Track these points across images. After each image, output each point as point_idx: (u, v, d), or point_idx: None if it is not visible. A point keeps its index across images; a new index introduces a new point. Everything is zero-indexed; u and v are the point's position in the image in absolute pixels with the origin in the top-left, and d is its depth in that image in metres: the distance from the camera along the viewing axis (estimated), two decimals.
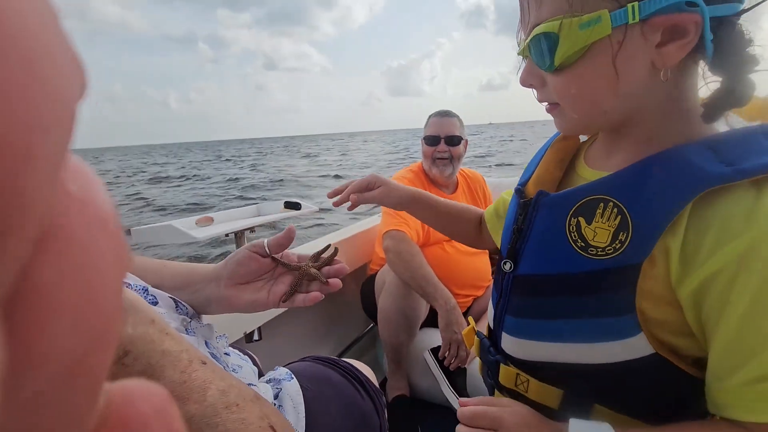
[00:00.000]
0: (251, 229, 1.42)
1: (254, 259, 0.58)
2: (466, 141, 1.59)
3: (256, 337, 1.32)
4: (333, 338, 1.86)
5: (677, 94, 0.39)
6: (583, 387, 0.43)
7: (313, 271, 0.60)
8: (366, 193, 0.75)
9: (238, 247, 1.40)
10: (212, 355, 0.51)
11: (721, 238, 0.35)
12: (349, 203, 0.75)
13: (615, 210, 0.40)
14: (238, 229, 1.36)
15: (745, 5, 0.36)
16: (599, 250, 0.40)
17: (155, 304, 0.50)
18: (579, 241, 0.41)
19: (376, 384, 0.77)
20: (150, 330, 0.33)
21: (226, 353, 0.59)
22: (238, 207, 1.66)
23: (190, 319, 0.53)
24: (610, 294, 0.40)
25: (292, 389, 0.58)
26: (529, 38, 0.40)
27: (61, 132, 0.08)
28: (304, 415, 0.56)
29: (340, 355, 1.82)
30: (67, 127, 0.08)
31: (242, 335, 1.26)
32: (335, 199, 0.76)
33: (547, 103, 0.45)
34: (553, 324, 0.44)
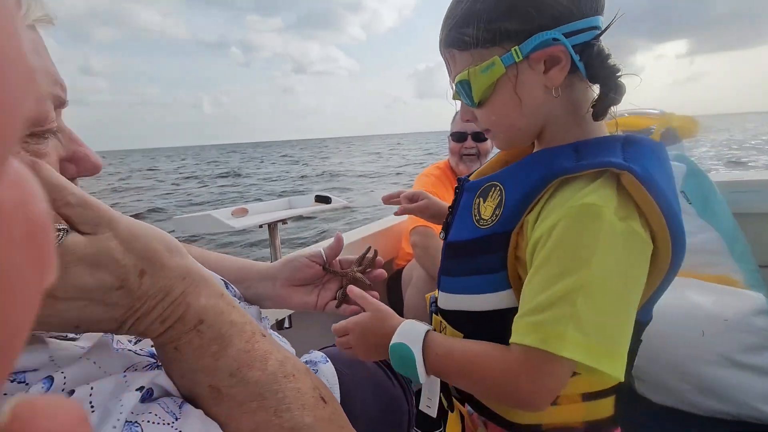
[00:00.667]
0: (283, 221, 1.47)
1: (311, 266, 0.65)
2: None
3: (287, 324, 1.37)
4: None
5: (570, 105, 0.50)
6: (476, 330, 0.53)
7: (358, 275, 0.67)
8: (411, 204, 0.89)
9: (271, 237, 1.46)
10: None
11: (548, 214, 0.45)
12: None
13: (498, 191, 0.51)
14: (272, 220, 1.41)
15: (602, 28, 0.47)
16: (485, 221, 0.52)
17: None
18: (477, 215, 0.54)
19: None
20: (220, 302, 0.37)
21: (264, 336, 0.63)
22: (271, 200, 1.72)
23: (239, 301, 0.57)
24: (490, 255, 0.51)
25: (328, 371, 0.62)
26: (454, 86, 0.53)
27: None
28: (339, 396, 0.59)
29: None
30: (5, 137, 0.08)
31: (274, 322, 1.31)
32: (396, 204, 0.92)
33: (485, 129, 0.57)
34: (462, 280, 0.55)
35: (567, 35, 0.45)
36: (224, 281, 0.58)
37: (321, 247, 0.69)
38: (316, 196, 1.70)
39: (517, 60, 0.47)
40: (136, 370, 0.36)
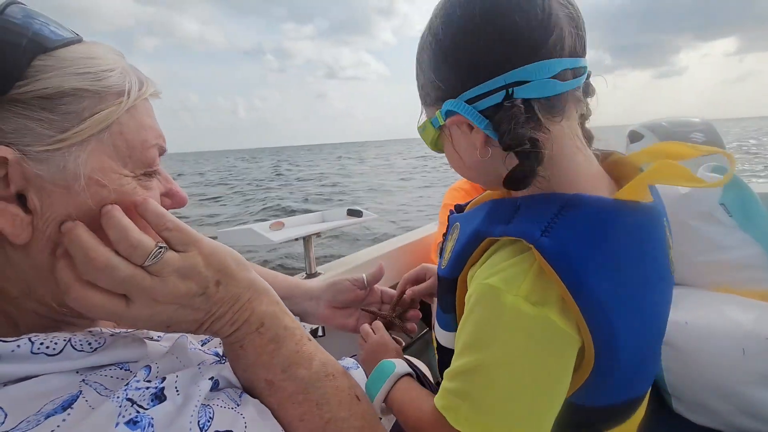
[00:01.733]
0: (317, 234, 1.55)
1: (352, 291, 0.74)
2: None
3: (320, 333, 1.44)
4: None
5: (506, 164, 0.44)
6: (444, 366, 0.51)
7: (397, 321, 0.74)
8: (418, 286, 0.79)
9: (306, 250, 1.54)
10: None
11: (475, 279, 0.44)
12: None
13: (457, 233, 0.52)
14: (306, 234, 1.50)
15: (518, 81, 0.41)
16: (444, 261, 0.54)
17: None
18: (444, 252, 0.55)
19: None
20: (276, 309, 0.45)
21: None
22: (305, 213, 1.82)
23: None
24: (447, 295, 0.52)
25: (359, 376, 0.67)
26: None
27: None
28: None
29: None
30: None
31: (309, 330, 1.38)
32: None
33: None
34: (439, 312, 0.58)
35: (471, 100, 0.42)
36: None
37: (364, 273, 0.76)
38: (349, 210, 1.78)
39: (441, 123, 0.47)
40: (206, 364, 0.44)
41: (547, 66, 0.39)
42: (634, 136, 3.46)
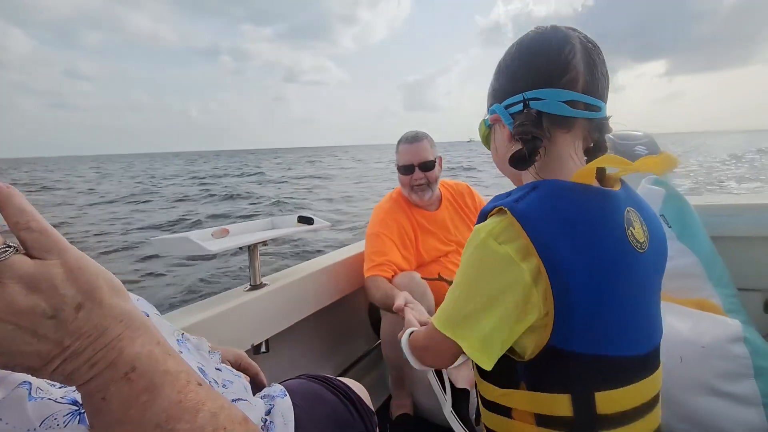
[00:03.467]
0: (264, 243, 1.46)
1: None
2: (440, 158, 1.60)
3: (263, 349, 1.35)
4: (341, 353, 1.87)
5: (514, 149, 0.60)
6: None
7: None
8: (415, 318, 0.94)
9: (250, 259, 1.44)
10: (200, 370, 0.53)
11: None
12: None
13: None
14: (252, 242, 1.40)
15: (534, 98, 0.58)
16: None
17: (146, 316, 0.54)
18: None
19: (370, 404, 0.78)
20: (156, 350, 0.36)
21: (217, 368, 0.61)
22: (253, 220, 1.72)
23: (182, 332, 0.56)
24: None
25: (284, 405, 0.61)
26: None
27: None
28: (293, 429, 0.58)
29: (347, 369, 1.83)
30: None
31: (250, 347, 1.29)
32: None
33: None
34: None
35: (507, 107, 0.60)
36: (182, 332, 0.57)
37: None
38: (299, 217, 1.70)
39: (489, 122, 0.66)
40: (55, 419, 0.34)
41: (557, 93, 0.55)
42: None
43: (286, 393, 0.66)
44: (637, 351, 0.55)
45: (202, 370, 0.53)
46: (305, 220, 1.67)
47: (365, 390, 0.81)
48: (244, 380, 0.66)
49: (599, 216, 0.53)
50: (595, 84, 0.56)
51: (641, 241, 0.55)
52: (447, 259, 1.55)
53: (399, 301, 1.04)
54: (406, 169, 1.56)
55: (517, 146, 0.58)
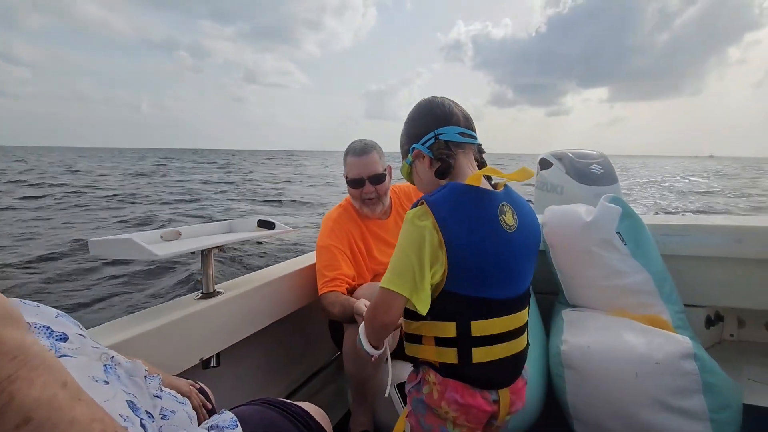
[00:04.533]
0: (220, 248, 1.35)
1: None
2: (390, 168, 1.56)
3: (213, 363, 1.24)
4: (297, 368, 1.78)
5: (435, 168, 0.86)
6: None
7: None
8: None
9: (204, 265, 1.33)
10: (130, 404, 0.45)
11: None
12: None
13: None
14: (206, 246, 1.30)
15: (439, 133, 0.86)
16: None
17: (64, 339, 0.45)
18: None
19: (330, 430, 0.72)
20: (60, 394, 0.28)
21: (156, 395, 0.53)
22: (209, 222, 1.60)
23: (111, 355, 0.48)
24: None
25: None
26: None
27: None
28: None
29: (304, 384, 1.74)
30: None
31: (198, 361, 1.18)
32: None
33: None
34: None
35: (423, 143, 0.86)
36: (82, 335, 0.49)
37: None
38: (260, 221, 1.60)
39: (411, 160, 0.91)
40: None
41: (453, 129, 0.85)
42: (544, 164, 3.74)
43: (237, 423, 0.58)
44: (505, 295, 0.78)
45: (132, 404, 0.45)
46: (266, 225, 1.58)
47: (326, 416, 0.75)
48: (188, 408, 0.58)
49: (478, 205, 0.77)
50: (469, 123, 0.88)
51: (510, 224, 0.80)
52: None
53: (359, 305, 1.18)
54: (355, 183, 1.49)
55: (437, 165, 0.85)
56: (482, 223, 0.76)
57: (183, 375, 1.12)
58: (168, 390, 0.61)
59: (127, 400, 0.44)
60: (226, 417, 0.59)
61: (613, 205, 1.80)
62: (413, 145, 0.88)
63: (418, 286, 0.72)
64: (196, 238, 1.47)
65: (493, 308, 0.77)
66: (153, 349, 1.05)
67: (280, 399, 0.71)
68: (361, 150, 1.49)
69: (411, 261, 0.72)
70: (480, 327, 0.75)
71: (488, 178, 0.88)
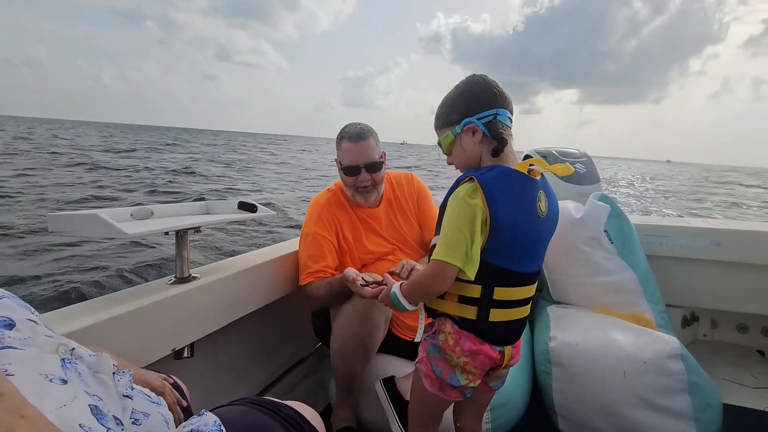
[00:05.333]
0: (197, 229, 1.25)
1: None
2: (384, 154, 1.47)
3: (186, 354, 1.14)
4: (274, 360, 1.69)
5: (486, 149, 0.90)
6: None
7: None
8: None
9: (178, 247, 1.22)
10: (93, 409, 0.37)
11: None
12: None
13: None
14: (182, 227, 1.19)
15: (497, 113, 0.89)
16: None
17: (10, 326, 0.36)
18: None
19: (323, 430, 0.65)
20: (10, 421, 0.20)
21: (126, 395, 0.45)
22: (184, 201, 1.49)
23: (71, 347, 0.39)
24: (442, 211, 0.92)
25: None
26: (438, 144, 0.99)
27: None
28: None
29: (281, 377, 1.66)
30: None
31: (171, 351, 1.08)
32: None
33: (451, 164, 0.98)
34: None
35: (479, 118, 0.89)
36: (34, 321, 0.40)
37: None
38: (240, 203, 1.49)
39: (458, 132, 0.92)
40: None
41: (506, 112, 0.90)
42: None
43: (222, 428, 0.50)
44: (526, 270, 0.88)
45: (96, 410, 0.36)
46: (247, 207, 1.48)
47: (319, 418, 0.68)
48: (164, 410, 0.50)
49: (522, 191, 0.85)
50: (512, 108, 0.93)
51: (543, 210, 0.88)
52: (395, 257, 1.45)
53: (348, 271, 1.20)
54: (350, 170, 1.40)
55: (491, 143, 0.88)
56: (523, 206, 0.84)
57: (152, 366, 1.02)
58: (140, 388, 0.52)
59: (90, 405, 0.36)
60: (207, 420, 0.51)
61: (602, 203, 1.79)
62: (467, 119, 0.89)
63: (469, 257, 0.80)
64: (170, 218, 1.36)
65: (516, 279, 0.86)
66: (119, 338, 0.94)
67: (269, 399, 0.63)
68: (357, 135, 1.39)
69: (464, 235, 0.80)
70: (501, 293, 0.85)
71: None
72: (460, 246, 0.80)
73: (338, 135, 1.45)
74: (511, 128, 0.91)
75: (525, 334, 1.70)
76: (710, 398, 1.24)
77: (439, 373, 0.88)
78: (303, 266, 1.40)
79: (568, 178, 3.35)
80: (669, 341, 1.28)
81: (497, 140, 0.87)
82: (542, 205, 0.87)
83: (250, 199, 1.47)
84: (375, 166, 1.41)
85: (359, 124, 1.44)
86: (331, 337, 1.26)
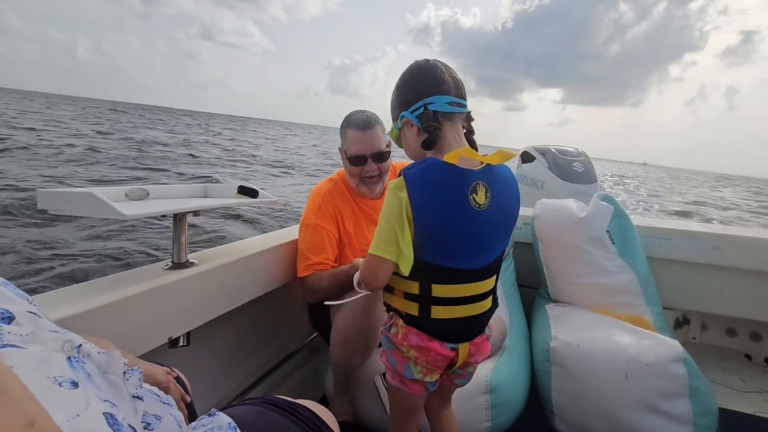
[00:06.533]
0: (195, 213, 1.19)
1: None
2: (390, 143, 1.41)
3: (182, 342, 1.10)
4: (270, 349, 1.65)
5: (422, 138, 0.86)
6: None
7: None
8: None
9: (176, 231, 1.17)
10: (109, 418, 0.32)
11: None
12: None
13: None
14: (180, 210, 1.13)
15: (429, 102, 0.85)
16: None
17: (9, 320, 0.31)
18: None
19: (338, 430, 0.62)
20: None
21: (137, 396, 0.40)
22: (182, 183, 1.42)
23: (77, 344, 0.35)
24: None
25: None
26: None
27: None
28: None
29: (276, 367, 1.62)
30: None
31: (166, 341, 1.03)
32: None
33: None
34: None
35: (413, 111, 0.86)
36: (35, 313, 0.36)
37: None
38: (240, 187, 1.44)
39: (400, 126, 0.91)
40: None
41: (442, 98, 0.84)
42: (527, 157, 3.74)
43: (237, 429, 0.46)
44: (470, 266, 0.84)
45: (111, 418, 0.32)
46: (248, 192, 1.42)
47: (334, 419, 0.65)
48: (175, 411, 0.45)
49: (449, 183, 0.80)
50: (459, 91, 0.87)
51: (480, 203, 0.82)
52: None
53: (359, 261, 1.19)
54: (357, 160, 1.35)
55: (424, 135, 0.85)
56: (450, 201, 0.80)
57: (148, 356, 0.97)
58: (148, 386, 0.48)
59: (105, 414, 0.32)
60: (221, 421, 0.48)
61: (605, 204, 1.78)
62: (402, 113, 0.88)
63: (402, 251, 0.79)
64: (167, 199, 1.30)
65: (456, 276, 0.83)
66: (113, 326, 0.89)
67: (284, 398, 0.59)
68: (364, 123, 1.33)
69: (394, 228, 0.79)
70: (441, 290, 0.83)
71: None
72: (391, 240, 0.79)
73: (343, 122, 1.40)
74: (456, 114, 0.85)
75: (522, 330, 1.70)
76: (709, 404, 1.25)
77: (393, 365, 0.89)
78: (302, 258, 1.36)
79: (566, 177, 3.36)
80: (672, 345, 1.28)
81: (427, 132, 0.83)
82: (479, 196, 0.82)
83: (251, 185, 1.41)
84: (382, 156, 1.36)
85: (365, 111, 1.39)
86: (333, 330, 1.23)
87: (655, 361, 1.24)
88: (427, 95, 0.84)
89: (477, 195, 0.82)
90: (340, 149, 1.43)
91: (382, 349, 0.93)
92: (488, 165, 0.85)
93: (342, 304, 1.01)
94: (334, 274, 1.27)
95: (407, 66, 0.91)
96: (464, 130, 0.89)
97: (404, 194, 0.79)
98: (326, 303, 1.06)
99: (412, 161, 0.93)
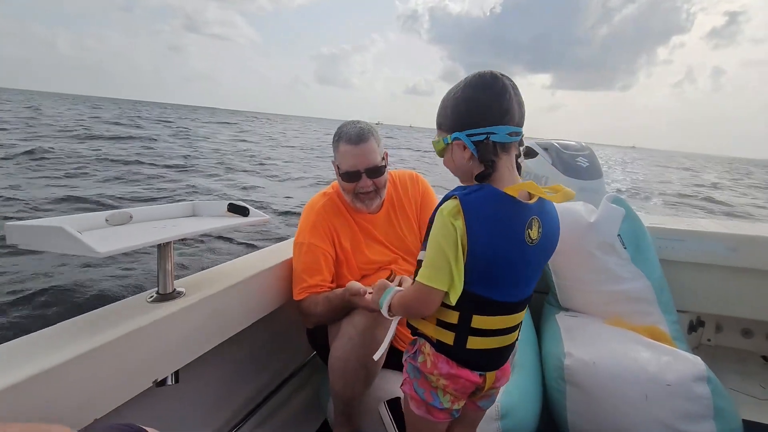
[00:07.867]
0: (182, 240, 1.11)
1: None
2: (386, 153, 1.34)
3: (170, 381, 1.02)
4: (267, 374, 1.57)
5: (477, 169, 0.81)
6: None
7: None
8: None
9: (161, 258, 1.08)
10: None
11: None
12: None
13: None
14: (164, 239, 1.03)
15: (491, 132, 0.79)
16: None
17: None
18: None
19: None
20: None
21: None
22: (167, 203, 1.34)
23: None
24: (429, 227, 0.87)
25: None
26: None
27: None
28: None
29: (274, 392, 1.54)
30: None
31: (151, 384, 0.95)
32: None
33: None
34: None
35: (470, 134, 0.80)
36: None
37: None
38: (230, 205, 1.35)
39: (449, 141, 0.84)
40: None
41: (505, 128, 0.79)
42: (530, 153, 3.64)
43: None
44: (509, 299, 0.82)
45: None
46: (238, 210, 1.34)
47: None
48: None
49: (508, 217, 0.78)
50: (521, 117, 0.82)
51: (534, 238, 0.81)
52: (397, 267, 1.34)
53: (353, 284, 1.12)
54: (350, 176, 1.26)
55: (478, 166, 0.81)
56: (507, 235, 0.78)
57: (130, 401, 0.89)
58: None
59: None
60: None
61: (616, 206, 1.70)
62: (457, 134, 0.81)
63: (455, 280, 0.76)
64: (151, 222, 1.21)
65: (496, 308, 0.82)
66: (90, 376, 0.81)
67: None
68: (357, 137, 1.24)
69: (448, 256, 0.76)
70: (480, 321, 0.81)
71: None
72: (444, 269, 0.76)
73: (335, 135, 1.31)
74: (512, 143, 0.81)
75: (532, 341, 1.63)
76: (734, 423, 1.18)
77: (421, 394, 0.86)
78: (298, 279, 1.28)
79: (570, 173, 3.26)
80: (693, 362, 1.20)
81: (484, 165, 0.79)
82: (533, 232, 0.80)
83: (240, 202, 1.33)
84: (377, 171, 1.27)
85: (358, 122, 1.29)
86: (331, 357, 1.15)
87: (677, 380, 1.16)
88: (491, 124, 0.78)
89: (532, 230, 0.80)
90: (333, 163, 1.34)
91: (404, 378, 0.90)
92: (541, 199, 0.82)
93: (386, 350, 0.94)
94: (329, 298, 1.19)
95: (472, 75, 0.83)
96: (517, 156, 0.85)
97: (460, 222, 0.75)
98: (375, 357, 0.95)
99: (449, 171, 0.91)
